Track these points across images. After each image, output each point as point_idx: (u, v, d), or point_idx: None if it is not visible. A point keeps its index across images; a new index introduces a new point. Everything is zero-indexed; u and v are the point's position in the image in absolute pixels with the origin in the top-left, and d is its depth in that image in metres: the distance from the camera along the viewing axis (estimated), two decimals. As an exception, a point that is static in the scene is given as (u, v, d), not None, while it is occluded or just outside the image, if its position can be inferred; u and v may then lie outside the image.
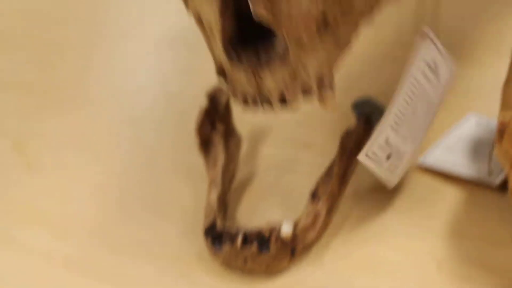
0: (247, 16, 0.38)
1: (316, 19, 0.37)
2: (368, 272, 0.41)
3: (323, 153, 0.49)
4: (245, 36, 0.39)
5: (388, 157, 0.41)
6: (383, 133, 0.39)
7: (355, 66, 0.60)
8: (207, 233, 0.42)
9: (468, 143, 0.49)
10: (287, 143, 0.53)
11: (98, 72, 0.64)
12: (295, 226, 0.41)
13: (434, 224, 0.44)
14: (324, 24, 0.38)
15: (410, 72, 0.40)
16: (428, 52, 0.41)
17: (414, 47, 0.40)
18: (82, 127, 0.57)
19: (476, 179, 0.46)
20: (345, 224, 0.44)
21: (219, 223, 0.42)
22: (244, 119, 0.52)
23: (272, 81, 0.38)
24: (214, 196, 0.44)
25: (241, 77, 0.39)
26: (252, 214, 0.47)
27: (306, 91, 0.39)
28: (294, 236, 0.41)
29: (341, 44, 0.39)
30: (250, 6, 0.36)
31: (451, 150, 0.49)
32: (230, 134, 0.49)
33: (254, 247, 0.40)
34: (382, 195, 0.46)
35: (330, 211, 0.43)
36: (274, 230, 0.41)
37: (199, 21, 0.41)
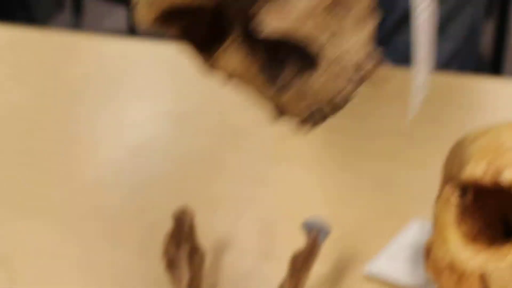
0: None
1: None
2: None
3: (285, 263, 0.53)
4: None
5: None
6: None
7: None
8: None
9: (411, 250, 0.56)
10: (249, 253, 0.59)
11: (66, 181, 0.69)
12: None
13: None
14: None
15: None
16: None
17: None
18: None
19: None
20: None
21: None
22: (208, 232, 0.58)
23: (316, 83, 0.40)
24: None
25: (290, 97, 0.41)
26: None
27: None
28: None
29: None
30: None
31: (395, 258, 0.55)
32: (194, 251, 0.55)
33: None
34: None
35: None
36: None
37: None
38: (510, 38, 1.56)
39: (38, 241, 0.61)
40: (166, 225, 0.53)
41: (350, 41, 0.41)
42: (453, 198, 0.46)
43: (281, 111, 0.42)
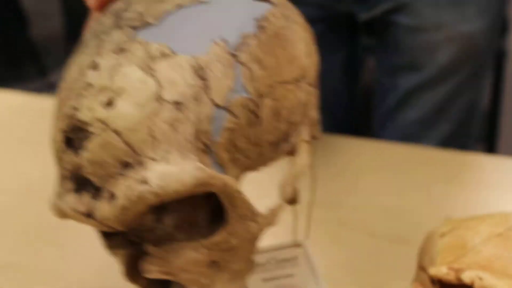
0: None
1: (207, 263, 0.44)
2: None
3: None
4: None
5: None
6: None
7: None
8: None
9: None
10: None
11: None
12: None
13: None
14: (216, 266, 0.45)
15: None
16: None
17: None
18: None
19: None
20: None
21: None
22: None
23: None
24: None
25: None
26: None
27: None
28: None
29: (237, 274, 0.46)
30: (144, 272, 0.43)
31: None
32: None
33: None
34: None
35: None
36: None
37: None
38: (504, 117, 1.60)
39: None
40: None
41: None
42: (426, 284, 0.49)
43: None
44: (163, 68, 0.40)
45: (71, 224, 0.53)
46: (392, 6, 0.94)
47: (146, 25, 0.42)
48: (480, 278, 0.45)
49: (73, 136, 0.40)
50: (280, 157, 0.46)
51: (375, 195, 0.77)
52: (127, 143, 0.39)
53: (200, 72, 0.41)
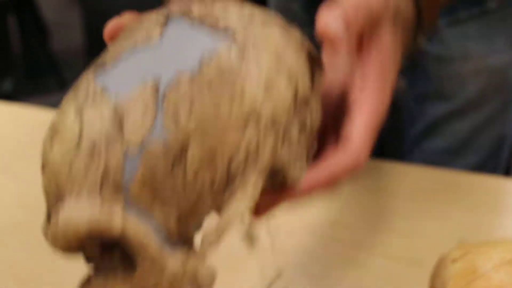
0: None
1: None
2: None
3: None
4: None
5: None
6: None
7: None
8: None
9: None
10: None
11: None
12: None
13: None
14: None
15: None
16: None
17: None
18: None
19: None
20: None
21: None
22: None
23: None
24: None
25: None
26: None
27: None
28: None
29: None
30: None
31: None
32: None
33: None
34: None
35: None
36: None
37: None
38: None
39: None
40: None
41: None
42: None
43: None
44: (89, 109, 0.42)
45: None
46: (421, 35, 0.97)
47: (104, 64, 0.45)
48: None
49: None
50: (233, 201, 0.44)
51: (392, 217, 0.78)
52: (55, 180, 0.43)
53: (118, 116, 0.41)
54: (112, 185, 0.42)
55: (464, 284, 0.49)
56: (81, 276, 0.46)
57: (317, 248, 0.74)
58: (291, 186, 0.47)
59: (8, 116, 1.02)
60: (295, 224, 0.76)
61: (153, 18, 0.47)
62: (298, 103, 0.46)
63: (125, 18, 0.53)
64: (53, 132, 0.44)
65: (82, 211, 0.42)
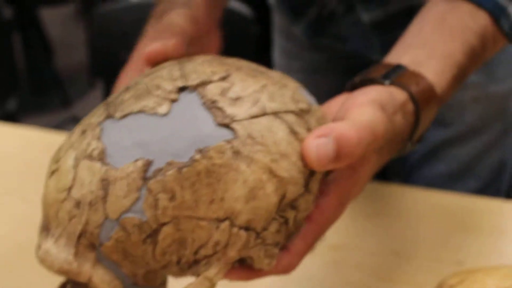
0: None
1: None
2: None
3: None
4: None
5: None
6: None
7: None
8: None
9: None
10: None
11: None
12: None
13: None
14: None
15: None
16: None
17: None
18: None
19: None
20: None
21: None
22: None
23: None
24: None
25: None
26: None
27: None
28: None
29: None
30: None
31: None
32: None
33: None
34: None
35: None
36: None
37: None
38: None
39: None
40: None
41: None
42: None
43: None
44: (83, 166, 0.46)
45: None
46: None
47: (114, 111, 0.47)
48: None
49: None
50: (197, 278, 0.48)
51: (392, 239, 0.80)
52: (46, 211, 0.48)
53: (105, 184, 0.45)
54: (88, 242, 0.46)
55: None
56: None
57: (315, 269, 0.75)
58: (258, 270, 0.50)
59: (15, 137, 1.03)
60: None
61: (169, 78, 0.48)
62: (283, 206, 0.47)
63: (168, 46, 0.55)
64: (55, 165, 0.48)
65: (58, 254, 0.47)
